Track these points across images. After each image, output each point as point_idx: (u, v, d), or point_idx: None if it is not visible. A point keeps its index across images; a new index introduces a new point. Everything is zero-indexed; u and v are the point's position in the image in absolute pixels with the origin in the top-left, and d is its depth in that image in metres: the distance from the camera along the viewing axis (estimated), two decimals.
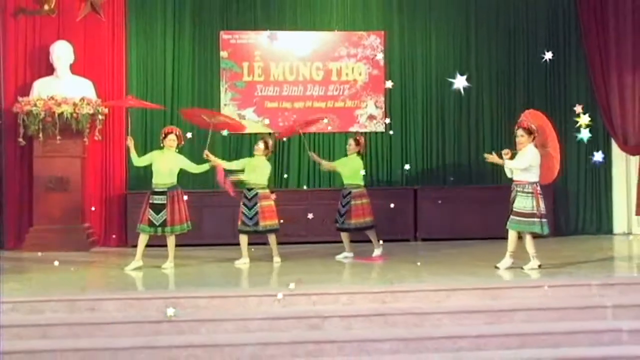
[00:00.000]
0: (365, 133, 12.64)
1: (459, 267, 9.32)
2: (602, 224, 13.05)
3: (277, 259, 9.92)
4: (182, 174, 9.81)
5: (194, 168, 9.84)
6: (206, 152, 9.83)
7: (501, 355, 6.86)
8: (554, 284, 8.09)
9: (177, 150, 9.72)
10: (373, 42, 12.99)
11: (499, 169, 12.68)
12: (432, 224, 12.34)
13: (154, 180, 9.56)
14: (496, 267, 9.00)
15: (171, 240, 9.57)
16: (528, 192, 8.87)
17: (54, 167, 11.47)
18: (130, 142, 9.67)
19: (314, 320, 7.20)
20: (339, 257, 10.29)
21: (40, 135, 11.34)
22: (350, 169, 10.44)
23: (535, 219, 8.87)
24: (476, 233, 12.13)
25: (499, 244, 11.35)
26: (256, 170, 9.95)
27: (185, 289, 8.06)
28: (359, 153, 10.58)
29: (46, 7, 11.98)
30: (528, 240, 9.00)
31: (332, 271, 9.34)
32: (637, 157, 12.49)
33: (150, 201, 9.48)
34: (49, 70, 11.83)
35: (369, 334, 7.09)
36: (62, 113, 11.25)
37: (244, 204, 9.91)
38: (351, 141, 10.61)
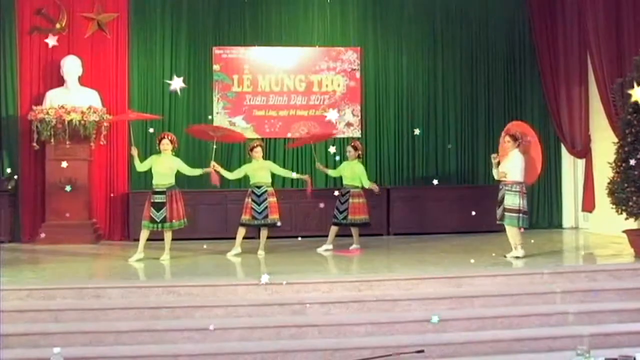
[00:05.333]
0: (343, 138, 12.68)
1: (427, 258, 9.36)
2: (553, 219, 13.14)
3: (261, 252, 9.86)
4: (178, 175, 9.78)
5: (188, 170, 9.81)
6: (213, 162, 9.78)
7: (463, 336, 6.89)
8: (510, 272, 8.16)
9: (173, 154, 9.74)
10: (350, 56, 12.97)
11: (462, 171, 12.98)
12: (403, 220, 12.35)
13: (154, 182, 9.58)
14: (504, 256, 9.08)
15: (168, 235, 9.56)
16: (515, 191, 8.95)
17: (64, 169, 11.36)
18: (135, 152, 9.65)
19: (296, 307, 7.20)
20: (320, 249, 10.27)
21: (52, 140, 11.27)
22: (352, 173, 10.35)
23: (519, 214, 8.95)
24: (441, 228, 12.17)
25: (462, 238, 11.53)
26: (260, 171, 9.92)
27: (182, 278, 8.03)
28: (359, 157, 10.52)
29: (57, 25, 11.93)
30: (515, 232, 9.07)
31: (313, 262, 9.33)
32: (584, 159, 12.56)
33: (152, 200, 9.49)
34: (60, 82, 11.77)
35: (346, 319, 7.10)
36: (71, 120, 11.19)
37: (253, 200, 9.81)
38: (349, 148, 10.54)
